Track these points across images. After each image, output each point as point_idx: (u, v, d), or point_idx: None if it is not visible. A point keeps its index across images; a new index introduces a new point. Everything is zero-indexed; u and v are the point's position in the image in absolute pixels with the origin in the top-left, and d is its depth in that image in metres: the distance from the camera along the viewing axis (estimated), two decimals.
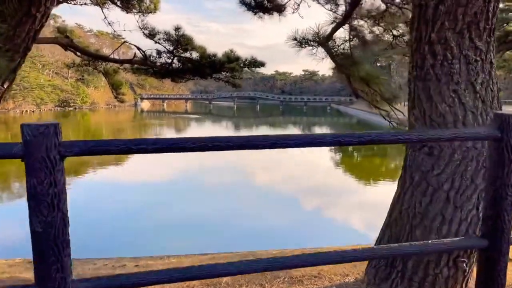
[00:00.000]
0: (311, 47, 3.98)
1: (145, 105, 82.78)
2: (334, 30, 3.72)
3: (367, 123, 52.02)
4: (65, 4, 8.28)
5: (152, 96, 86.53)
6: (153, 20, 7.59)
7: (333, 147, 30.12)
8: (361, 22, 4.17)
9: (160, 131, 40.99)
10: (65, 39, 6.84)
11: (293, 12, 4.29)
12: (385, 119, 4.61)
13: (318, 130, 47.28)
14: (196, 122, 51.83)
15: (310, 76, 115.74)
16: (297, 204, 13.38)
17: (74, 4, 8.23)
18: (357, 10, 3.89)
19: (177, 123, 49.30)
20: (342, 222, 11.55)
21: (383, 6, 4.33)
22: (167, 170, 17.25)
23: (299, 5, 4.76)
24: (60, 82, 52.38)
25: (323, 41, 3.79)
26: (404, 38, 4.80)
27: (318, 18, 4.18)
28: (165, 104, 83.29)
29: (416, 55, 2.54)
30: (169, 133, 38.53)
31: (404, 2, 4.32)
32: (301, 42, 4.01)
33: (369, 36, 3.61)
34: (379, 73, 3.94)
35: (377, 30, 4.51)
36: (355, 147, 28.60)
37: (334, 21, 3.65)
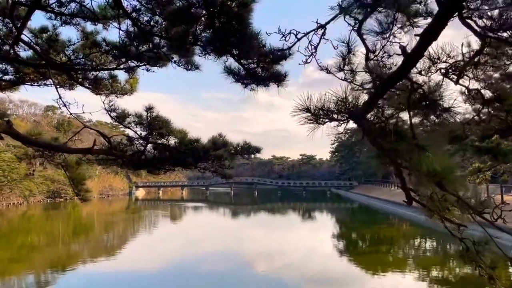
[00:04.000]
0: (335, 122, 2.39)
1: (140, 193, 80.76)
2: (379, 93, 2.14)
3: (370, 208, 49.79)
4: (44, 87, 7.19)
5: (147, 184, 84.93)
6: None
7: (335, 235, 27.62)
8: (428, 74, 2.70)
9: (154, 221, 38.51)
10: (4, 125, 5.34)
11: (306, 62, 2.85)
12: (452, 234, 2.84)
13: (320, 216, 44.84)
14: (191, 211, 49.43)
15: (308, 160, 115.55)
16: None
17: (32, 85, 7.00)
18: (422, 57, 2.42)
19: (172, 212, 46.83)
20: None
21: (474, 43, 2.86)
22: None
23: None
24: (52, 172, 50.80)
25: (359, 112, 2.20)
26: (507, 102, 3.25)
27: (327, 87, 2.67)
28: (160, 192, 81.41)
29: None
30: (163, 225, 36.08)
31: None
32: (318, 114, 2.40)
33: (444, 100, 2.00)
34: (457, 165, 2.28)
35: (460, 88, 3.05)
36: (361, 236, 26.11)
37: (377, 78, 2.11)
